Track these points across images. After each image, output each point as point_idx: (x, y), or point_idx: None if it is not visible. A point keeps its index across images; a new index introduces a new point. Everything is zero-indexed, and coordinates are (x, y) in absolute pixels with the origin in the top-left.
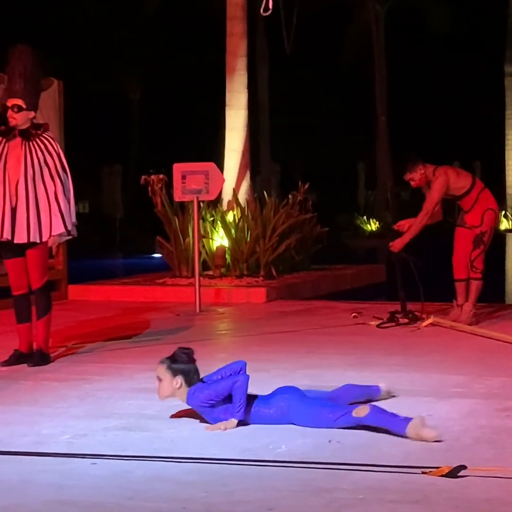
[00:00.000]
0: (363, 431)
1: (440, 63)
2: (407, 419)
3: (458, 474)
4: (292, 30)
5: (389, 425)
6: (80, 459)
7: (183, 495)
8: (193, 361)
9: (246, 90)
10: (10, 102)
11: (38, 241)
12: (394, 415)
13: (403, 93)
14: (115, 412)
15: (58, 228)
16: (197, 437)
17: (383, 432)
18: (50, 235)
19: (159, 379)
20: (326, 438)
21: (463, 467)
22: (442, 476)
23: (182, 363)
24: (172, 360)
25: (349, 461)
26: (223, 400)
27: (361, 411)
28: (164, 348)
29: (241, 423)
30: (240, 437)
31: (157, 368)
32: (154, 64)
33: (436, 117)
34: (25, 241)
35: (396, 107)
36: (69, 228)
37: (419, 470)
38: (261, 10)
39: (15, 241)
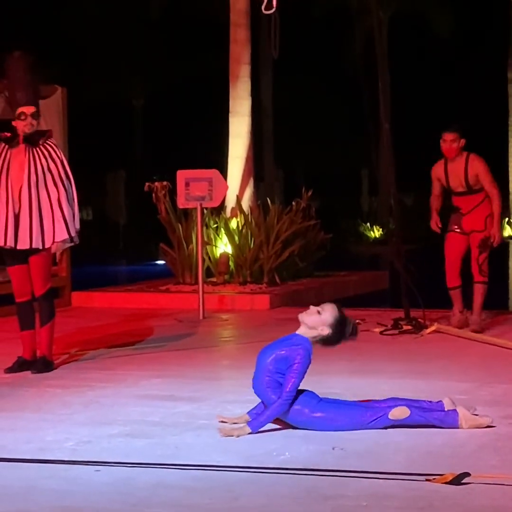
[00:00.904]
0: (366, 437)
1: (443, 70)
2: (454, 412)
3: (462, 481)
4: (278, 34)
5: (437, 422)
6: (84, 465)
7: (187, 501)
8: (339, 340)
9: (250, 97)
10: (30, 110)
11: (40, 247)
12: (432, 409)
13: (406, 99)
14: (119, 418)
15: (62, 234)
16: (200, 443)
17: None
18: (54, 242)
19: (319, 312)
20: (329, 445)
21: (467, 474)
22: (446, 483)
23: (341, 331)
24: (342, 320)
25: (353, 468)
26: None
27: (399, 413)
28: (168, 355)
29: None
30: (243, 443)
31: (330, 305)
32: (158, 70)
33: (439, 123)
34: (28, 247)
35: (399, 113)
36: (73, 234)
37: (423, 477)
38: (263, 8)
39: (18, 247)
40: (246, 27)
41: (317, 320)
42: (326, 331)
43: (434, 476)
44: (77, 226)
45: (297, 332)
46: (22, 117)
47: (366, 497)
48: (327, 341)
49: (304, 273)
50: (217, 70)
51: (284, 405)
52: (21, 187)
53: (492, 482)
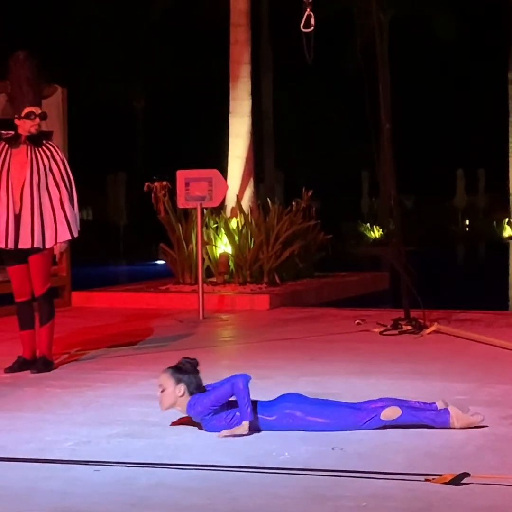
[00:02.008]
0: (366, 438)
1: (444, 71)
2: (446, 411)
3: (462, 482)
4: (311, 40)
5: (429, 421)
6: (83, 466)
7: (187, 502)
8: (196, 371)
9: (250, 97)
10: (38, 110)
11: (41, 246)
12: (424, 408)
13: (407, 101)
14: (118, 419)
15: (64, 235)
16: (200, 444)
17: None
18: (56, 242)
19: (162, 388)
20: (329, 446)
21: (466, 474)
22: (445, 483)
23: (186, 372)
24: (176, 368)
25: (352, 468)
26: (223, 407)
27: (390, 414)
28: (168, 355)
29: (251, 428)
30: (243, 444)
31: (160, 376)
32: (158, 72)
33: (440, 125)
34: (29, 246)
35: (400, 115)
36: (75, 235)
37: (423, 478)
38: (301, 26)
39: (19, 247)
40: (246, 27)
41: (170, 396)
42: (181, 389)
43: (434, 477)
44: (78, 227)
45: (181, 409)
46: (32, 117)
47: (366, 497)
48: (189, 383)
49: (304, 273)
50: (217, 71)
51: (238, 379)
52: (23, 187)
53: (491, 483)
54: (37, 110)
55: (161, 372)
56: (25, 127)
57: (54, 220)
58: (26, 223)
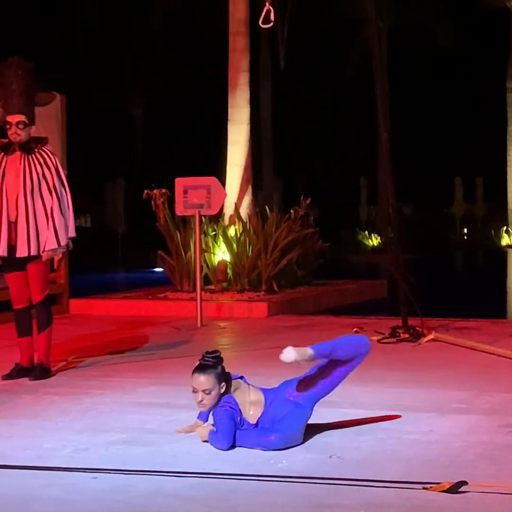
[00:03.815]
0: (364, 446)
1: (442, 79)
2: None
3: (459, 490)
4: (285, 45)
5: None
6: (81, 473)
7: (185, 509)
8: (220, 362)
9: (249, 105)
10: (14, 119)
11: (37, 254)
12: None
13: (406, 109)
14: (117, 426)
15: (51, 243)
16: (198, 451)
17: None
18: (44, 250)
19: (208, 392)
20: (327, 453)
21: (464, 483)
22: (443, 492)
23: (215, 367)
24: (207, 367)
25: (350, 476)
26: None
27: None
28: (165, 362)
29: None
30: (241, 451)
31: (197, 380)
32: (157, 79)
33: (438, 133)
34: (26, 254)
35: (398, 123)
36: (63, 243)
37: (420, 486)
38: (260, 22)
39: (17, 255)
40: (245, 35)
41: (215, 397)
42: (223, 388)
43: (431, 485)
44: (72, 233)
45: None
46: (7, 126)
47: (363, 505)
48: (224, 378)
49: (303, 281)
50: (216, 79)
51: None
52: (17, 195)
53: (489, 491)
54: (13, 119)
55: (195, 375)
56: (9, 135)
57: (47, 227)
58: (22, 231)
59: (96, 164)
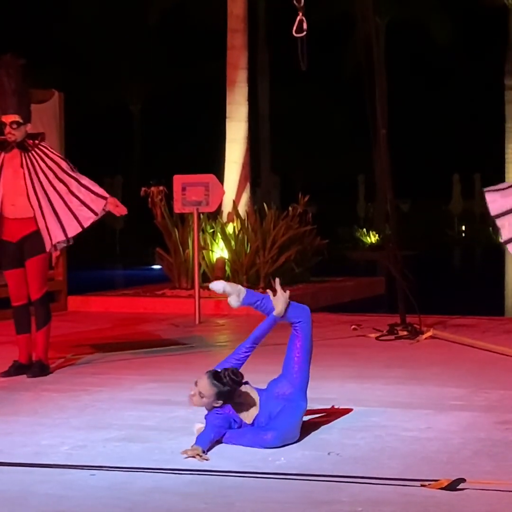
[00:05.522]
0: (362, 443)
1: (440, 76)
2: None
3: (457, 487)
4: (305, 46)
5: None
6: (79, 470)
7: (183, 506)
8: (236, 386)
9: (247, 102)
10: (8, 119)
11: (64, 238)
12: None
13: (404, 106)
14: (115, 423)
15: (89, 214)
16: None
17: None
18: (81, 225)
19: (201, 396)
20: (325, 450)
21: (462, 480)
22: (441, 489)
23: (224, 385)
24: (219, 379)
25: (348, 473)
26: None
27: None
28: (164, 359)
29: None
30: (240, 449)
31: (202, 380)
32: (155, 76)
33: (436, 129)
34: (63, 238)
35: (396, 119)
36: (99, 212)
37: (418, 483)
38: (294, 31)
39: (53, 242)
40: (243, 32)
41: (205, 404)
42: (219, 403)
43: (429, 482)
44: (103, 200)
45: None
46: (3, 126)
47: (361, 502)
48: (225, 398)
49: (301, 278)
50: (214, 76)
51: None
52: (27, 194)
53: (487, 488)
54: (7, 119)
55: (204, 376)
56: (5, 135)
57: (70, 211)
58: (42, 226)
59: (94, 160)
